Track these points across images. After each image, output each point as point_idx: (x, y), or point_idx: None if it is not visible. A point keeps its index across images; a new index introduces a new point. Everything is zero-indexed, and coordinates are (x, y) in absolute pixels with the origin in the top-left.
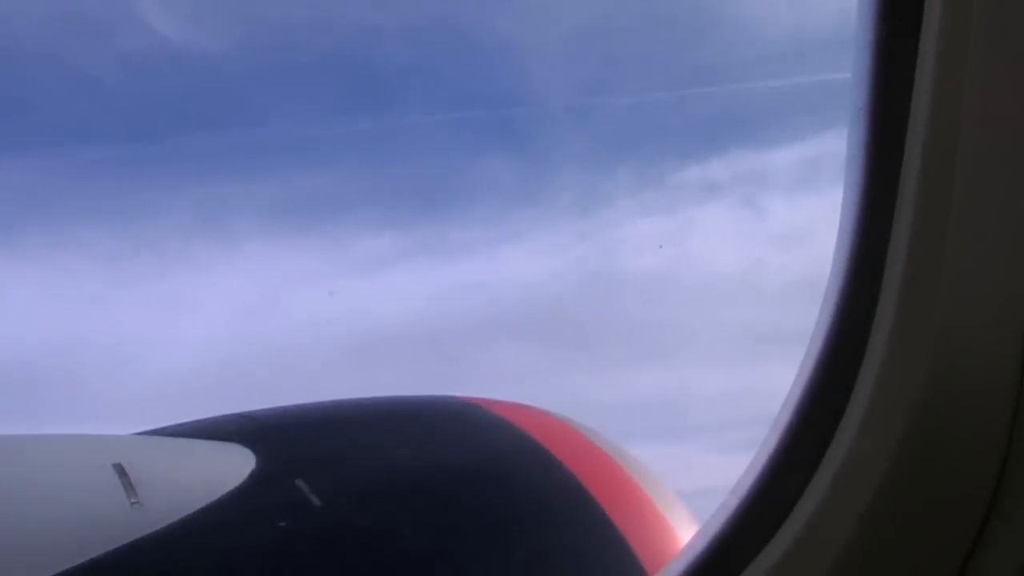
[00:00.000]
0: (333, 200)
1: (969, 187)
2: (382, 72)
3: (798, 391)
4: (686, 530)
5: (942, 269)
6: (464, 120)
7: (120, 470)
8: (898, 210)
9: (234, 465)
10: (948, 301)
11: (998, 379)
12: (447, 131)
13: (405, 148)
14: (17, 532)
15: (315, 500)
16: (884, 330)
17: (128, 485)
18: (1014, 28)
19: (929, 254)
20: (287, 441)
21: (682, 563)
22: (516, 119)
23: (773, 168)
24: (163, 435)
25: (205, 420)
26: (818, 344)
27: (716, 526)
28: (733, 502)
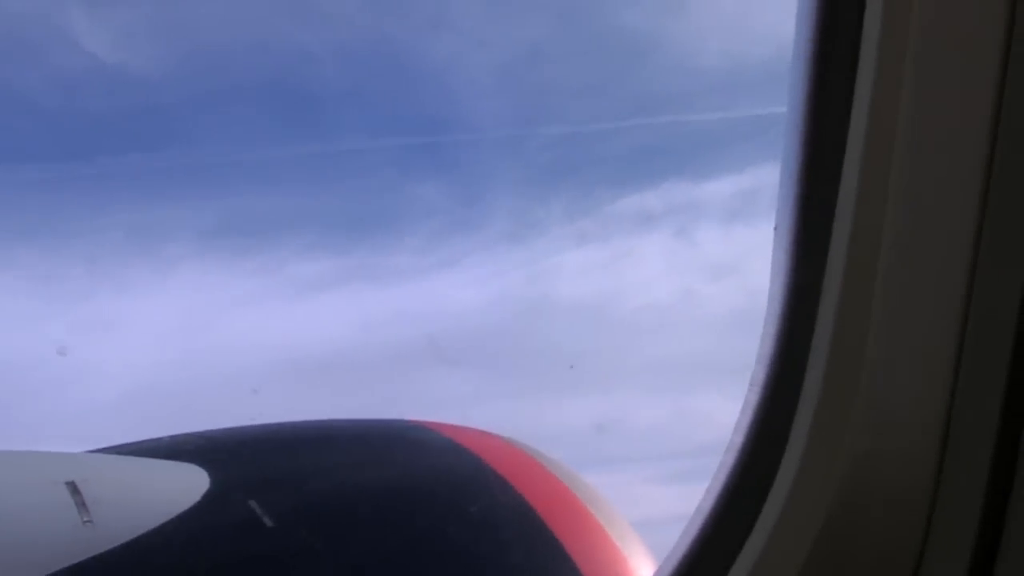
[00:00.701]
0: (267, 224)
1: (893, 269)
2: (317, 97)
3: (722, 475)
4: (635, 556)
5: (864, 354)
6: (400, 147)
7: (73, 488)
8: (823, 301)
9: (188, 485)
10: (871, 380)
11: (919, 452)
12: (383, 157)
13: (340, 174)
14: None
15: (268, 520)
16: (807, 415)
17: (81, 503)
18: (945, 98)
19: (850, 342)
20: (242, 462)
21: None
22: (452, 146)
23: (707, 200)
24: (117, 453)
25: (160, 439)
26: (743, 429)
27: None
28: (673, 559)
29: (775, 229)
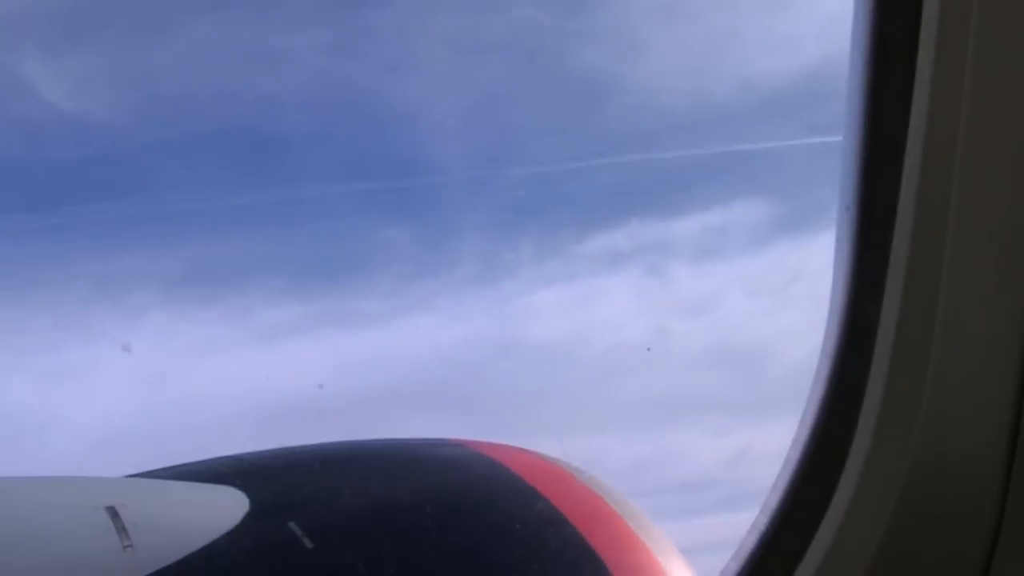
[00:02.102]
0: (234, 271)
1: (957, 275)
2: (282, 143)
3: (788, 472)
4: (676, 569)
5: (930, 350)
6: (366, 191)
7: (113, 513)
8: (887, 299)
9: (228, 508)
10: (936, 378)
11: (987, 459)
12: (349, 202)
13: (306, 219)
14: (10, 573)
15: (308, 542)
16: (872, 411)
17: (121, 528)
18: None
19: (916, 338)
20: (281, 483)
21: None
22: (418, 189)
23: (676, 237)
24: (156, 477)
25: (199, 463)
26: (808, 425)
27: None
28: (736, 563)
29: (842, 213)
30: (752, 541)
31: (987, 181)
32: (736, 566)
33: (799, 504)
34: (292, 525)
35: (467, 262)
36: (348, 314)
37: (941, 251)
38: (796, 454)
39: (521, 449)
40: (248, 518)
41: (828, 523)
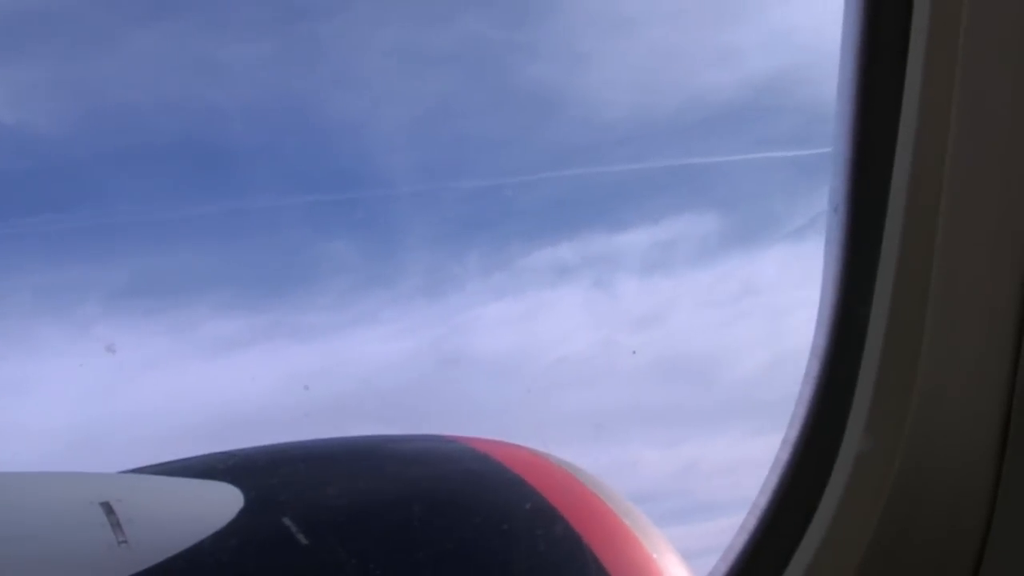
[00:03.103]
0: (180, 283)
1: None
2: (227, 155)
3: (777, 471)
4: (671, 566)
5: (920, 348)
6: (311, 203)
7: (107, 508)
8: (876, 300)
9: (222, 503)
10: (926, 375)
11: (976, 459)
12: (294, 214)
13: (252, 231)
14: (3, 569)
15: (303, 538)
16: (863, 409)
17: (115, 523)
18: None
19: (906, 336)
20: (275, 479)
21: None
22: (364, 202)
23: (624, 251)
24: (151, 473)
25: (193, 458)
26: (797, 424)
27: None
28: (727, 560)
29: (831, 213)
30: (740, 542)
31: (977, 181)
32: (724, 567)
33: (788, 505)
34: (286, 520)
35: (414, 275)
36: (295, 327)
37: (931, 250)
38: (785, 455)
39: (516, 445)
40: (243, 514)
41: (817, 524)
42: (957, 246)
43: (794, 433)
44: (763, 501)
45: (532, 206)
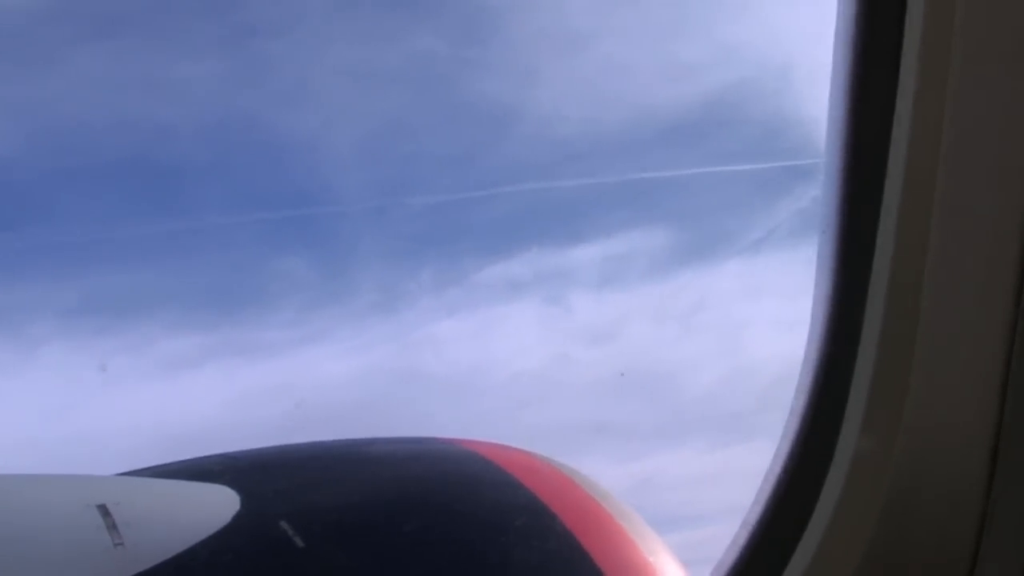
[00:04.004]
0: (132, 302)
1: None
2: (178, 172)
3: (769, 482)
4: (668, 568)
5: (914, 353)
6: (264, 221)
7: (104, 511)
8: (869, 306)
9: (219, 506)
10: (918, 395)
11: (969, 465)
12: (246, 232)
13: (204, 249)
14: (0, 571)
15: (299, 541)
16: (854, 425)
17: (111, 526)
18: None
19: (898, 355)
20: (272, 482)
21: None
22: (317, 219)
23: (576, 266)
24: (147, 476)
25: (189, 461)
26: (789, 438)
27: None
28: (724, 564)
29: (820, 229)
30: (737, 547)
31: (969, 189)
32: (721, 572)
33: (783, 510)
34: (283, 523)
35: (367, 292)
36: (248, 344)
37: (923, 255)
38: (780, 460)
39: (512, 448)
40: (239, 516)
41: (813, 529)
42: (950, 251)
43: (789, 438)
44: (759, 506)
45: (485, 222)
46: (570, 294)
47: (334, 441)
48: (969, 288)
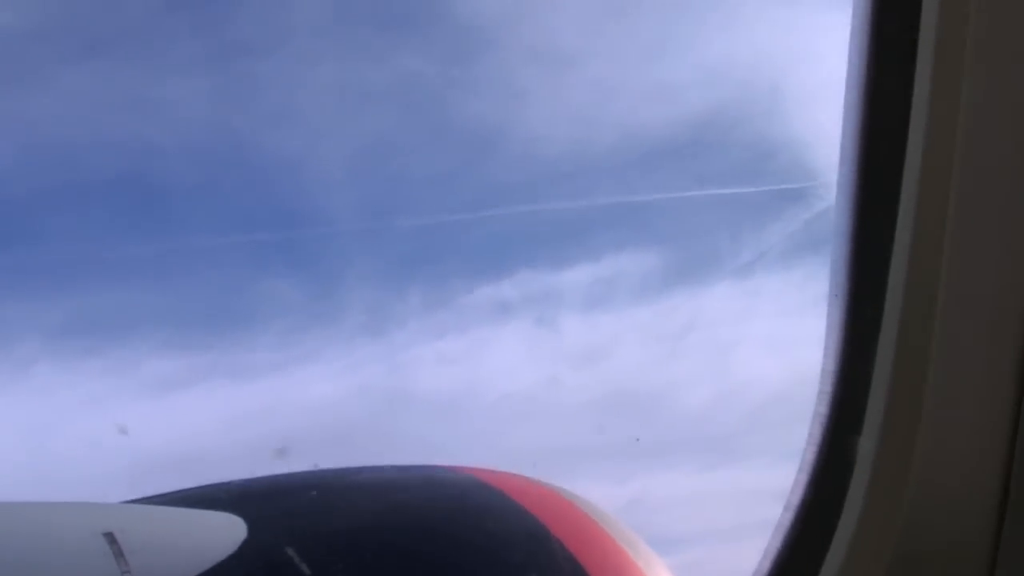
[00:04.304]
0: (120, 322)
1: (947, 342)
2: (167, 193)
3: (776, 543)
4: None
5: (921, 421)
6: (252, 242)
7: (111, 539)
8: (886, 313)
9: (225, 533)
10: (926, 453)
11: (974, 535)
12: (235, 253)
13: (193, 270)
14: None
15: (305, 568)
16: (862, 483)
17: (118, 553)
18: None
19: (908, 406)
20: (278, 509)
21: None
22: (306, 240)
23: (565, 288)
24: (154, 503)
25: (196, 488)
26: (796, 498)
27: None
28: None
29: (835, 232)
30: (768, 561)
31: (985, 197)
32: None
33: (810, 521)
34: (289, 551)
35: (356, 313)
36: (236, 366)
37: (940, 255)
38: (804, 474)
39: (518, 475)
40: (246, 544)
41: (839, 538)
42: (966, 257)
43: (813, 446)
44: (787, 515)
45: (473, 244)
46: (559, 316)
47: (338, 469)
48: (986, 293)
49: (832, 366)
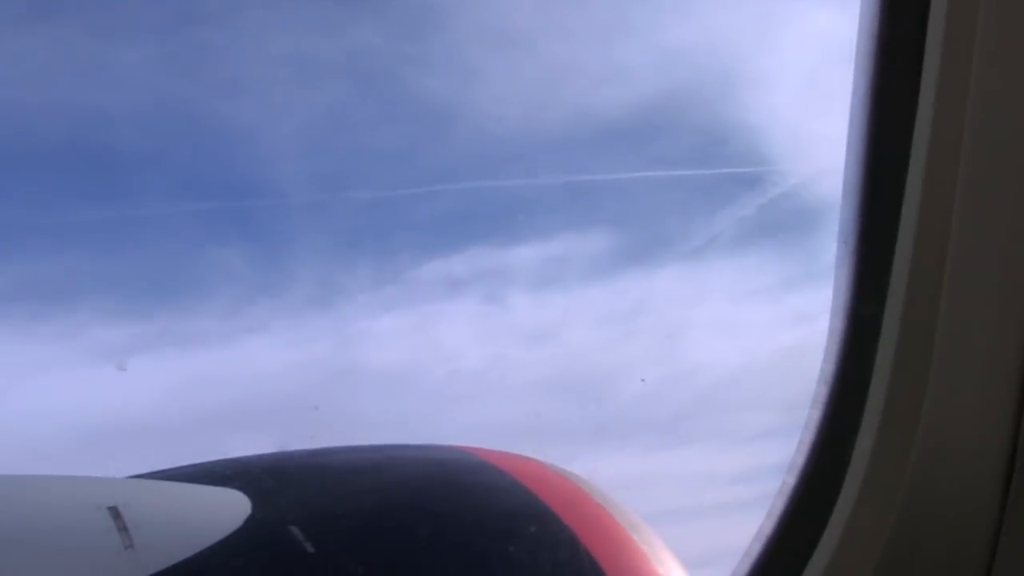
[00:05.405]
0: (66, 289)
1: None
2: (115, 160)
3: (779, 505)
4: None
5: (933, 352)
6: (201, 211)
7: (114, 513)
8: (887, 308)
9: (230, 510)
10: (939, 379)
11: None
12: (183, 222)
13: (140, 238)
14: (8, 573)
15: (310, 546)
16: (875, 413)
17: (122, 528)
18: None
19: (918, 340)
20: (283, 487)
21: None
22: (254, 211)
23: (516, 265)
24: (158, 479)
25: (201, 464)
26: (811, 429)
27: None
28: (743, 566)
29: (841, 225)
30: (757, 545)
31: (991, 186)
32: (744, 570)
33: (801, 514)
34: (294, 528)
35: (304, 285)
36: (182, 335)
37: (944, 253)
38: (798, 464)
39: (523, 456)
40: (250, 521)
41: (830, 532)
42: (969, 254)
43: (808, 440)
44: (778, 507)
45: (423, 219)
46: (509, 294)
47: (344, 447)
48: (987, 291)
49: (832, 360)
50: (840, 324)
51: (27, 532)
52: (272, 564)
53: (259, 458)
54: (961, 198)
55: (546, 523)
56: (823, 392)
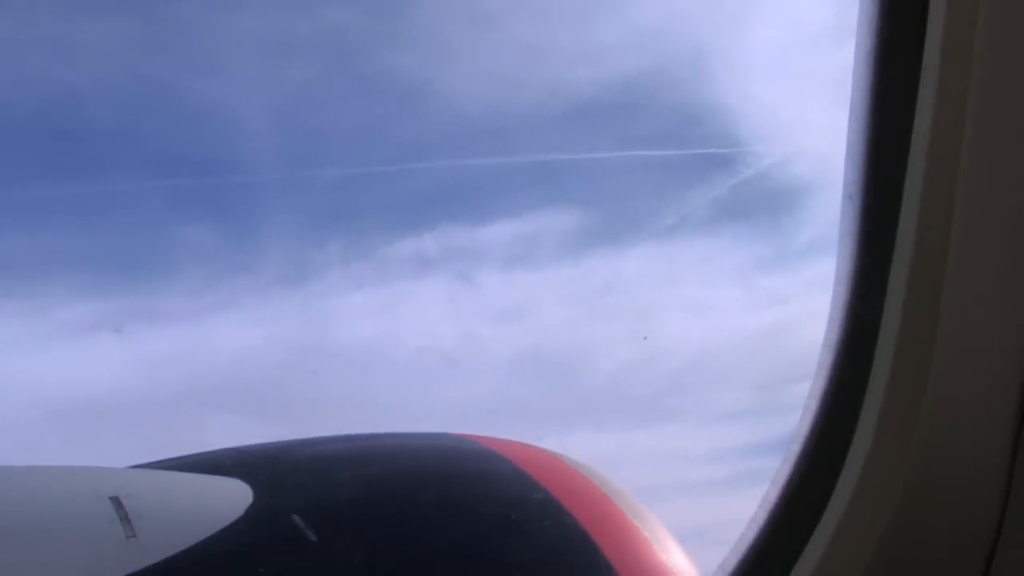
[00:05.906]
0: (34, 266)
1: (961, 267)
2: (84, 137)
3: (788, 466)
4: (679, 566)
5: (934, 345)
6: (170, 188)
7: (117, 503)
8: (888, 298)
9: (231, 499)
10: (940, 373)
11: (988, 457)
12: (153, 199)
13: (109, 215)
14: (12, 562)
15: (311, 535)
16: (874, 406)
17: (124, 518)
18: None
19: (919, 332)
20: (285, 476)
21: None
22: (225, 188)
23: (486, 244)
24: (160, 468)
25: (203, 454)
26: (808, 419)
27: None
28: (736, 555)
29: (846, 199)
30: (749, 537)
31: (992, 176)
32: (734, 560)
33: (798, 501)
34: (296, 517)
35: (274, 262)
36: (152, 311)
37: (945, 246)
38: (796, 448)
39: (527, 444)
40: (252, 510)
41: (827, 521)
42: (971, 242)
43: (805, 428)
44: (773, 496)
45: (394, 197)
46: (481, 272)
47: (346, 436)
48: (987, 291)
49: (831, 348)
50: (839, 321)
51: (30, 522)
52: (274, 552)
53: (262, 447)
54: (961, 198)
55: (550, 511)
56: (820, 388)
